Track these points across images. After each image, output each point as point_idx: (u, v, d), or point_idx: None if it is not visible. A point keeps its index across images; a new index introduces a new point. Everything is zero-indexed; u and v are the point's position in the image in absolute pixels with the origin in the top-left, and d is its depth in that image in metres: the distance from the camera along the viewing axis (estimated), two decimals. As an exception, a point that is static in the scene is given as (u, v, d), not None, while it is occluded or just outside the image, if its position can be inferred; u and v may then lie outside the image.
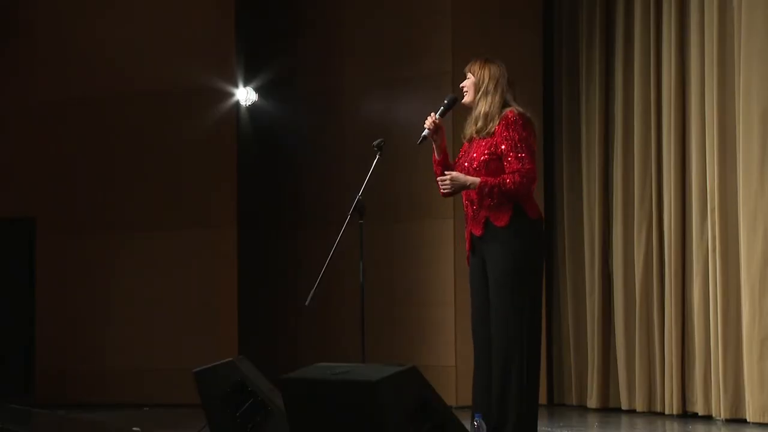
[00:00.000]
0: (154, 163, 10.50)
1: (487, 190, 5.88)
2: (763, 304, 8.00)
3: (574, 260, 9.74)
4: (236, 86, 10.51)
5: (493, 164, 5.92)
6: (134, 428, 8.15)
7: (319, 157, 10.66)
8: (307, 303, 6.49)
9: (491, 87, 6.02)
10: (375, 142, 6.65)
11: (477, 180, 5.90)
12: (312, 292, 6.49)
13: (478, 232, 5.98)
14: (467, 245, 6.09)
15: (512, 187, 5.84)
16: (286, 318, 10.78)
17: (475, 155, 5.97)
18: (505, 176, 5.86)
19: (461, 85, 6.16)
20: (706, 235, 8.48)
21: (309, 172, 10.75)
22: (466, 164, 5.99)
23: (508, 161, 5.87)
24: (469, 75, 6.11)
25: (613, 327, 9.36)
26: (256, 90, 10.77)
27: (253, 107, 10.79)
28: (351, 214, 6.51)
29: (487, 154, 5.93)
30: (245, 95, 10.69)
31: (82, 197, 10.72)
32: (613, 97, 9.43)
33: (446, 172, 5.99)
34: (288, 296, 10.70)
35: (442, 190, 6.01)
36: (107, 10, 10.75)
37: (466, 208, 6.06)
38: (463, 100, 6.14)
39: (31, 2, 11.04)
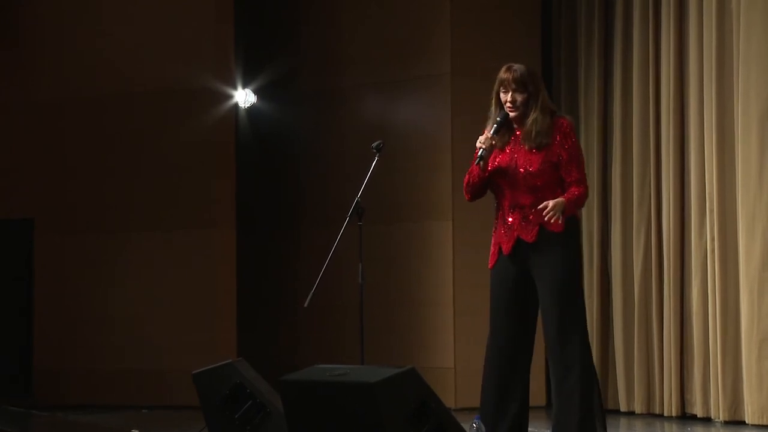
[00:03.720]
0: (153, 163, 10.48)
1: (574, 201, 5.88)
2: (762, 305, 7.99)
3: (573, 261, 9.72)
4: (235, 88, 10.50)
5: (549, 169, 5.93)
6: (133, 430, 8.15)
7: (318, 158, 10.66)
8: (306, 304, 6.50)
9: (543, 102, 5.98)
10: (374, 144, 6.65)
11: (563, 199, 5.88)
12: (311, 293, 6.50)
13: (529, 239, 5.91)
14: (505, 249, 5.95)
15: (585, 196, 5.95)
16: (285, 319, 10.77)
17: (532, 162, 5.92)
18: (575, 188, 5.90)
19: (506, 99, 5.96)
20: (705, 236, 8.47)
21: (308, 173, 10.74)
22: (521, 170, 5.92)
23: (568, 170, 5.92)
24: (518, 91, 5.96)
25: (611, 328, 9.35)
26: (255, 92, 10.76)
27: (251, 109, 10.79)
28: (350, 216, 6.51)
29: (548, 162, 5.92)
30: (244, 97, 10.68)
31: (80, 198, 10.70)
32: (612, 98, 9.42)
33: (543, 207, 5.85)
34: (287, 297, 10.69)
35: (552, 224, 5.84)
36: (107, 11, 10.73)
37: (508, 214, 5.97)
38: (512, 116, 5.97)
39: (31, 2, 11.03)
